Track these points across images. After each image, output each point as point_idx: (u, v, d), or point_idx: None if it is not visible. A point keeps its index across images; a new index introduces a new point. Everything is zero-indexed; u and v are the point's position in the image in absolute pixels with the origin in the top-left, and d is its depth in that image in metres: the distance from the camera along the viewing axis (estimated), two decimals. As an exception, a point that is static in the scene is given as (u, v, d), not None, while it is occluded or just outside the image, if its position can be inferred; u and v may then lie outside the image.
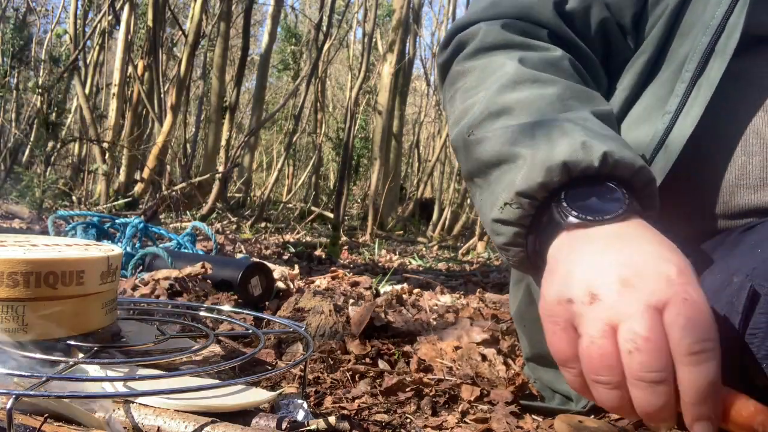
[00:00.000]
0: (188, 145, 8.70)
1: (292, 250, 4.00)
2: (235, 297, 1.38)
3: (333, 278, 2.10)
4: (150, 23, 6.46)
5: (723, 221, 0.75)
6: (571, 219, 0.58)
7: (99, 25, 7.20)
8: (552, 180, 0.60)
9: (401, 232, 8.80)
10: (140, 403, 0.64)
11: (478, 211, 0.73)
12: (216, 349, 0.85)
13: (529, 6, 0.81)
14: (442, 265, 4.37)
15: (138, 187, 6.45)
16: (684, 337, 0.48)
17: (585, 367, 0.52)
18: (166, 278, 1.37)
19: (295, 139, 8.93)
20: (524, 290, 0.94)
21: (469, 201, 9.15)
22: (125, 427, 0.63)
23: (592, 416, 0.86)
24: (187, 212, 5.80)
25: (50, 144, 6.00)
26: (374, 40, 9.88)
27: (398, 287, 2.02)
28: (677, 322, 0.48)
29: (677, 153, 0.71)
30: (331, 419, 0.65)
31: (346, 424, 0.66)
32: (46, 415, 0.61)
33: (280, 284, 1.62)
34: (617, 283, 0.50)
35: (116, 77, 7.11)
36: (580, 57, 0.81)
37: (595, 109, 0.69)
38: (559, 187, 0.60)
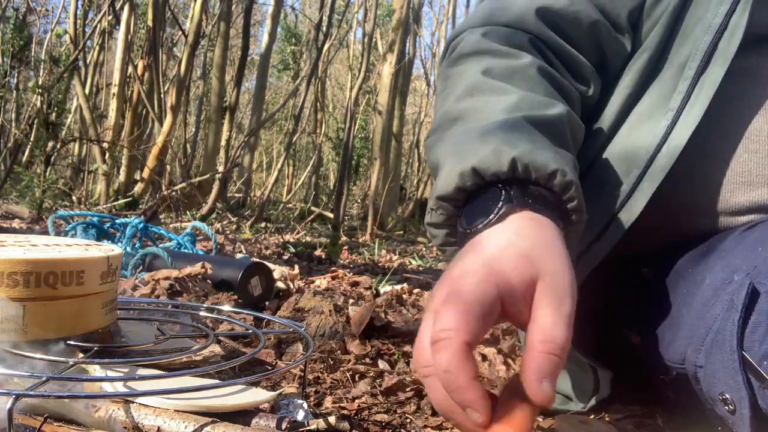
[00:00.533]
0: (188, 145, 8.70)
1: (292, 250, 4.00)
2: (235, 297, 1.38)
3: (333, 278, 2.09)
4: (150, 23, 6.46)
5: (724, 218, 0.75)
6: (460, 228, 0.62)
7: (99, 25, 7.21)
8: (464, 184, 0.62)
9: (401, 232, 8.80)
10: (140, 403, 0.64)
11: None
12: (216, 349, 0.85)
13: (515, 13, 0.82)
14: (442, 265, 4.37)
15: (138, 187, 6.45)
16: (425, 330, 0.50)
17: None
18: (166, 278, 1.37)
19: (295, 139, 8.93)
20: None
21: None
22: (125, 427, 0.63)
23: (592, 416, 0.86)
24: (187, 212, 5.80)
25: (50, 144, 6.00)
26: (374, 40, 9.88)
27: (398, 287, 2.01)
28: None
29: (680, 150, 0.71)
30: (331, 419, 0.65)
31: (346, 424, 0.66)
32: (46, 415, 0.61)
33: (280, 284, 1.62)
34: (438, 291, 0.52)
35: (116, 77, 7.11)
36: (568, 62, 0.82)
37: (534, 113, 0.69)
38: (475, 190, 0.63)
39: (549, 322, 0.49)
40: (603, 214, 0.76)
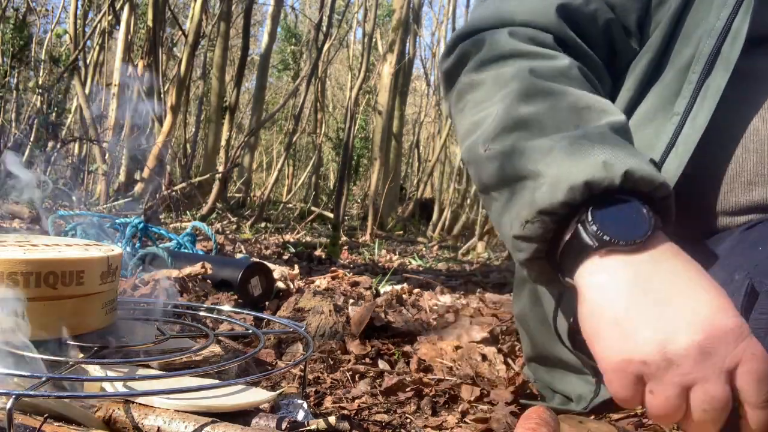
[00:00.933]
0: (188, 145, 8.69)
1: (292, 250, 3.99)
2: (235, 297, 1.38)
3: (333, 278, 2.09)
4: (150, 23, 6.45)
5: (725, 218, 0.75)
6: (603, 240, 0.59)
7: (99, 25, 7.20)
8: (574, 199, 0.60)
9: (401, 232, 8.80)
10: (140, 403, 0.64)
11: (494, 224, 0.73)
12: (216, 349, 0.85)
13: (532, 11, 0.80)
14: (442, 265, 4.37)
15: (138, 187, 6.45)
16: (758, 390, 0.53)
17: (652, 413, 0.56)
18: (166, 278, 1.37)
19: (295, 139, 8.93)
20: (528, 292, 0.94)
21: (469, 201, 9.15)
22: (125, 427, 0.63)
23: (593, 416, 0.86)
24: (187, 212, 5.80)
25: (50, 144, 5.99)
26: (374, 40, 9.88)
27: (398, 287, 2.01)
28: (750, 379, 0.53)
29: (689, 155, 0.71)
30: (331, 419, 0.65)
31: (346, 424, 0.66)
32: (46, 415, 0.61)
33: (280, 284, 1.62)
34: (695, 350, 0.53)
35: (116, 77, 7.11)
36: (586, 62, 0.81)
37: (610, 120, 0.68)
38: (581, 203, 0.61)
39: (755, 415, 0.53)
40: None
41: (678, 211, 0.75)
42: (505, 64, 0.77)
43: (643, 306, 0.56)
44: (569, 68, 0.75)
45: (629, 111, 0.81)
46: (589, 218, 0.60)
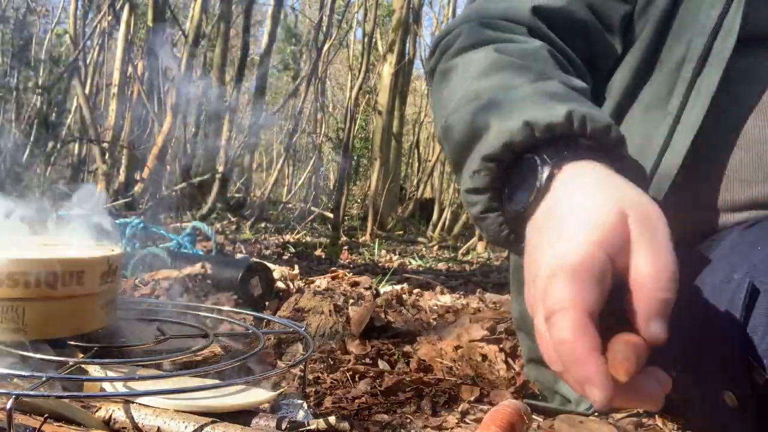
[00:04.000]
0: (188, 145, 8.69)
1: (292, 250, 3.99)
2: (235, 297, 1.38)
3: (333, 278, 2.09)
4: (150, 23, 6.45)
5: (724, 216, 0.75)
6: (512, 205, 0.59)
7: (99, 25, 7.20)
8: (513, 140, 0.60)
9: (401, 232, 8.80)
10: (140, 403, 0.64)
11: (462, 198, 0.73)
12: (216, 349, 0.85)
13: (507, 8, 0.82)
14: (442, 265, 4.37)
15: (138, 187, 6.45)
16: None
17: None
18: (166, 278, 1.37)
19: (295, 139, 8.93)
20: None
21: (469, 201, 9.13)
22: (125, 427, 0.63)
23: (592, 416, 0.86)
24: (187, 212, 5.79)
25: (50, 144, 5.99)
26: (374, 40, 9.88)
27: (398, 287, 2.01)
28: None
29: (684, 153, 0.71)
30: (331, 419, 0.65)
31: (346, 424, 0.66)
32: (46, 415, 0.61)
33: (280, 284, 1.62)
34: (542, 286, 0.49)
35: (116, 77, 7.10)
36: (560, 54, 0.81)
37: (565, 80, 0.68)
38: (523, 149, 0.60)
39: (646, 262, 0.47)
40: None
41: (677, 210, 0.75)
42: (474, 51, 0.79)
43: (538, 256, 0.52)
44: (538, 50, 0.75)
45: (620, 109, 0.81)
46: (533, 155, 0.59)
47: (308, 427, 0.64)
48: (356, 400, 0.88)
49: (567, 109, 0.58)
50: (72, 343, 0.75)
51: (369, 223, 7.47)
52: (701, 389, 0.68)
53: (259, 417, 0.65)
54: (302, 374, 0.84)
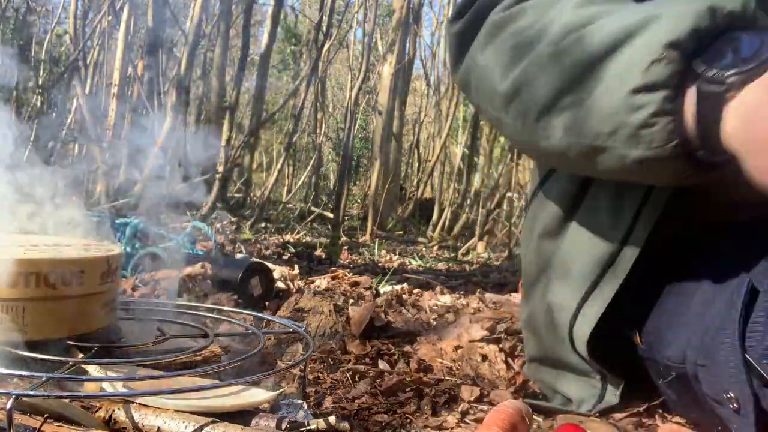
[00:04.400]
0: (188, 145, 8.68)
1: (292, 250, 3.99)
2: (235, 297, 1.38)
3: (333, 278, 2.09)
4: (150, 23, 6.45)
5: (723, 214, 0.75)
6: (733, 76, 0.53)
7: (99, 25, 7.20)
8: (700, 26, 0.54)
9: (401, 232, 8.79)
10: (140, 403, 0.64)
11: (567, 134, 0.64)
12: (216, 349, 0.85)
13: None
14: (442, 265, 4.37)
15: (138, 187, 6.44)
16: None
17: None
18: (166, 278, 1.37)
19: (295, 139, 8.93)
20: (540, 296, 0.93)
21: (468, 201, 9.14)
22: (125, 427, 0.63)
23: (593, 417, 0.86)
24: (187, 212, 5.79)
25: (50, 144, 5.99)
26: (374, 40, 9.88)
27: (398, 287, 2.01)
28: None
29: None
30: (331, 419, 0.65)
31: (346, 424, 0.66)
32: (46, 415, 0.61)
33: (280, 284, 1.62)
34: None
35: (116, 77, 7.10)
36: None
37: None
38: (708, 35, 0.55)
39: None
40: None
41: (675, 208, 0.75)
42: None
43: None
44: None
45: None
46: (701, 63, 0.54)
47: (308, 427, 0.64)
48: (356, 400, 0.88)
49: (740, 1, 0.55)
50: (72, 343, 0.75)
51: (369, 223, 7.47)
52: (701, 389, 0.68)
53: (259, 417, 0.65)
54: (302, 374, 0.84)
